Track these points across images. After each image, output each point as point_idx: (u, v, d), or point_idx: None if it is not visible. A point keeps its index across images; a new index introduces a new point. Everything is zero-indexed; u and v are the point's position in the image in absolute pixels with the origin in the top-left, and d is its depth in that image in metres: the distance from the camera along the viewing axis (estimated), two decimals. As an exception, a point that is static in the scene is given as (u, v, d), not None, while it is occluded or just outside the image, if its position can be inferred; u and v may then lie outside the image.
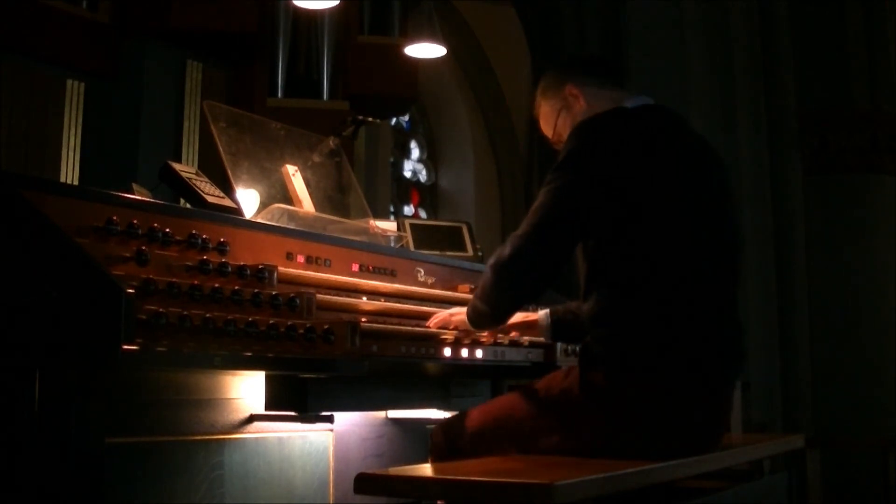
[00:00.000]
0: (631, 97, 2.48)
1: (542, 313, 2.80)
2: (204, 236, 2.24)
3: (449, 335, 2.60)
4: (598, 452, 2.24)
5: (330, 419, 2.40)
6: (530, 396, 2.42)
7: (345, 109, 5.74)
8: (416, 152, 11.13)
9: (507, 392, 2.79)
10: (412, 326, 2.58)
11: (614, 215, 2.27)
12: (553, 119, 2.59)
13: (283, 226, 2.68)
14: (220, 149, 2.83)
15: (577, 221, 2.30)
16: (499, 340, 2.80)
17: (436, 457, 2.49)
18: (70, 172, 5.10)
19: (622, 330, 2.28)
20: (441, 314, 2.63)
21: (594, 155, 2.28)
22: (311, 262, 2.57)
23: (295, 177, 3.04)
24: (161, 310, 1.87)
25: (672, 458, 2.22)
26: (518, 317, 2.79)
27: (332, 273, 2.61)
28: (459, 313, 2.59)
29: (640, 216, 2.27)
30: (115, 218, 2.05)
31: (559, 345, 3.00)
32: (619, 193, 2.26)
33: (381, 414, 2.86)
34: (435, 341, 2.57)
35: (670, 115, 2.48)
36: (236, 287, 2.12)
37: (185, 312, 1.92)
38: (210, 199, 2.58)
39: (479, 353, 2.70)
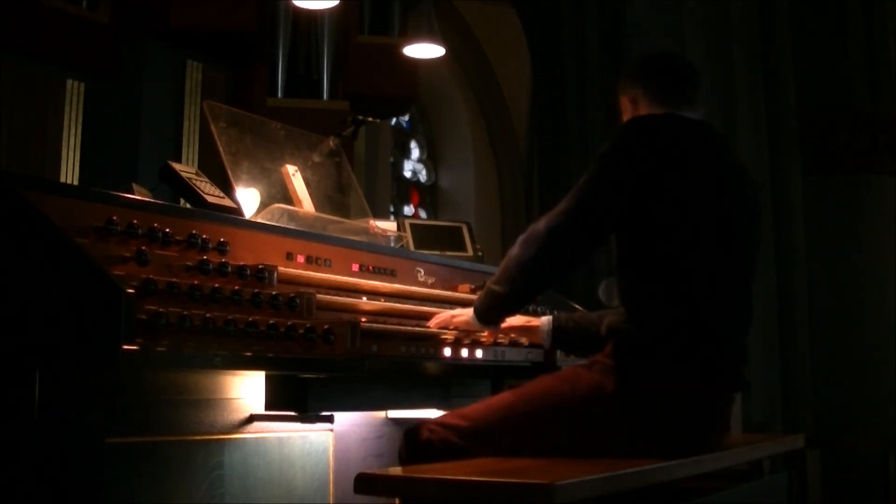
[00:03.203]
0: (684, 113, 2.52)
1: (544, 319, 2.81)
2: (204, 236, 2.24)
3: (449, 335, 2.60)
4: (620, 448, 2.26)
5: (330, 419, 2.40)
6: (550, 391, 2.40)
7: (345, 109, 5.75)
8: (416, 152, 11.13)
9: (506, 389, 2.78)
10: (412, 326, 2.58)
11: (647, 213, 2.32)
12: (622, 105, 2.64)
13: (283, 226, 2.68)
14: (220, 149, 2.83)
15: (611, 211, 2.35)
16: (499, 340, 2.80)
17: (416, 458, 2.39)
18: (70, 172, 5.11)
19: (659, 328, 2.32)
20: (442, 315, 2.63)
21: (637, 153, 2.34)
22: (311, 262, 2.57)
23: (295, 177, 3.04)
24: (161, 310, 1.87)
25: (684, 456, 2.24)
26: (520, 320, 2.79)
27: (332, 273, 2.61)
28: (462, 315, 2.59)
29: (672, 217, 2.32)
30: (115, 218, 2.05)
31: (560, 345, 3.00)
32: (654, 195, 2.31)
33: (381, 414, 2.86)
34: (435, 341, 2.57)
35: (713, 131, 2.55)
36: (236, 287, 2.12)
37: (185, 312, 1.92)
38: (210, 199, 2.58)
39: (479, 353, 2.70)
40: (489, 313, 2.56)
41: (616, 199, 2.34)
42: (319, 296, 2.29)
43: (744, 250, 2.47)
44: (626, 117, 2.60)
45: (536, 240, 2.37)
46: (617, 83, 2.67)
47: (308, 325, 2.14)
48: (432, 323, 2.61)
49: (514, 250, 2.43)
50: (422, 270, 3.02)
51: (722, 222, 2.39)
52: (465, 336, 2.63)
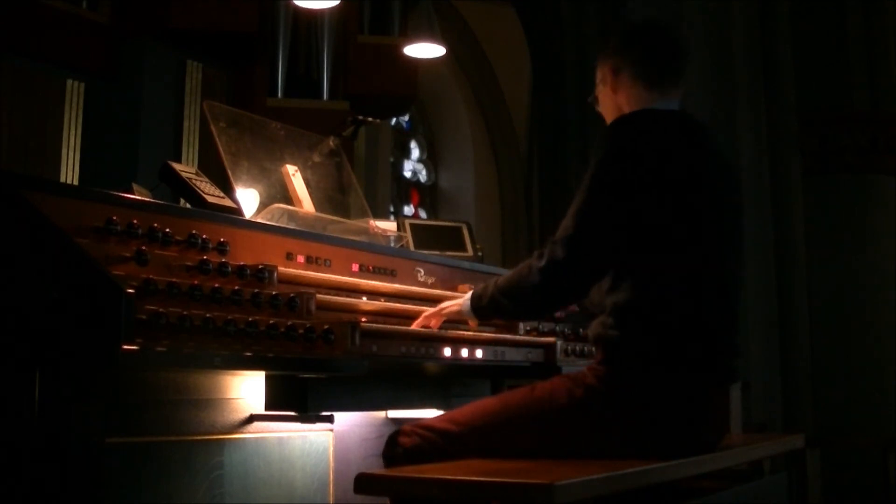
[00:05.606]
0: (662, 101, 2.49)
1: None
2: (204, 236, 2.24)
3: (449, 334, 2.60)
4: (615, 452, 2.25)
5: (330, 419, 2.40)
6: (541, 396, 2.38)
7: (345, 109, 5.74)
8: (416, 152, 11.14)
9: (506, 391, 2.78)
10: (412, 326, 2.58)
11: (645, 221, 2.31)
12: (600, 74, 2.60)
13: (283, 226, 2.68)
14: (220, 149, 2.83)
15: (618, 225, 2.32)
16: (499, 338, 2.80)
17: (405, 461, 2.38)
18: (70, 172, 5.11)
19: (645, 329, 2.31)
20: (429, 311, 2.60)
21: (627, 164, 2.31)
22: (311, 262, 2.57)
23: (295, 177, 3.04)
24: (161, 310, 1.87)
25: (678, 457, 2.24)
26: None
27: (332, 273, 2.61)
28: (453, 305, 2.57)
29: (653, 221, 2.31)
30: (115, 218, 2.05)
31: (559, 345, 3.00)
32: (650, 202, 2.30)
33: (381, 414, 2.86)
34: (435, 341, 2.57)
35: (694, 123, 2.52)
36: (236, 287, 2.12)
37: (185, 312, 1.92)
38: (210, 199, 2.58)
39: (479, 353, 2.70)
40: (490, 317, 2.58)
41: (617, 216, 2.31)
42: (319, 296, 2.29)
43: (728, 243, 2.45)
44: (604, 91, 2.55)
45: (557, 269, 2.33)
46: (602, 50, 2.59)
47: (308, 325, 2.14)
48: (419, 322, 2.58)
49: (533, 277, 2.36)
50: (422, 270, 3.02)
51: (706, 219, 2.37)
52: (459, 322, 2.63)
